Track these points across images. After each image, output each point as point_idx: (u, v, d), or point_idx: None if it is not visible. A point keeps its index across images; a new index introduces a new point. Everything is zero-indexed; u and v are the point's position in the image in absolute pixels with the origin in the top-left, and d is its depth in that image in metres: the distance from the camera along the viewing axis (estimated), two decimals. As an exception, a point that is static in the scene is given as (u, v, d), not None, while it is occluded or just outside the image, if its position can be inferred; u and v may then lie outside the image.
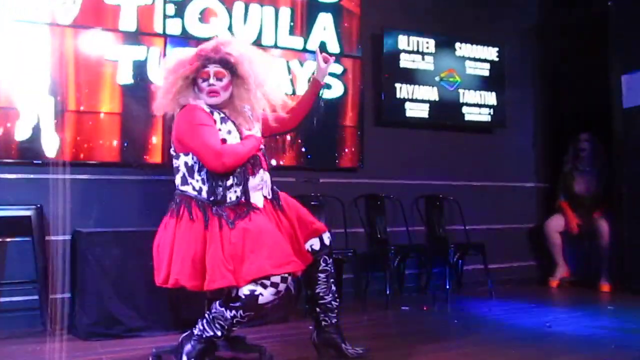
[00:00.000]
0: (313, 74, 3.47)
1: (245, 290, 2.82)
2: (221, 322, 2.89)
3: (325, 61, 3.41)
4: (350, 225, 5.35)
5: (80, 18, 4.39)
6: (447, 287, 5.36)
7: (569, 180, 6.12)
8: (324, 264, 3.28)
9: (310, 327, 3.47)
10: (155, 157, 4.56)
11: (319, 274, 3.27)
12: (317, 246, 3.26)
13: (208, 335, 2.93)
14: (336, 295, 3.36)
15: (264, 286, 2.82)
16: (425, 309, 4.98)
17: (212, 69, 3.03)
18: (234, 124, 3.07)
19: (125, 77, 4.49)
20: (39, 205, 4.10)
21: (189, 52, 3.15)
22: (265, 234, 2.91)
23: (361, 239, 5.49)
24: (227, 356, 3.32)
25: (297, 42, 5.20)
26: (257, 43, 4.95)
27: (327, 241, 3.30)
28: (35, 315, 4.15)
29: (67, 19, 4.36)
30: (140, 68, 4.54)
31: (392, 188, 5.66)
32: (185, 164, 3.00)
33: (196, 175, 2.99)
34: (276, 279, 2.82)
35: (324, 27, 5.30)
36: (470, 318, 4.64)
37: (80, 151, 4.37)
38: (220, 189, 2.95)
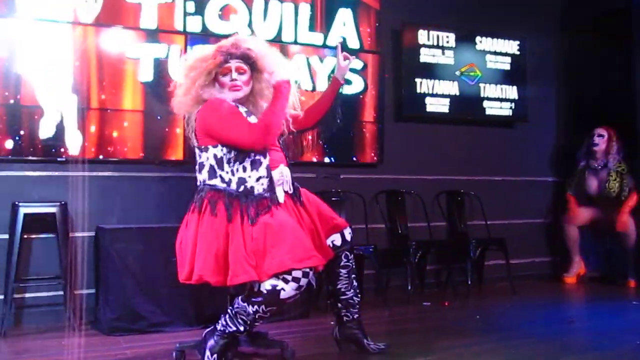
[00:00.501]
0: (333, 72, 3.46)
1: (267, 285, 2.84)
2: (243, 317, 2.91)
3: (346, 59, 3.41)
4: (370, 221, 5.34)
5: (101, 16, 4.43)
6: (468, 282, 5.34)
7: (581, 179, 5.99)
8: (345, 260, 3.28)
9: (332, 323, 3.49)
10: (177, 154, 4.59)
11: (341, 270, 3.28)
12: (338, 242, 3.27)
13: (231, 330, 2.95)
14: (358, 290, 3.36)
15: (286, 281, 2.83)
16: (446, 304, 4.97)
17: (233, 64, 3.05)
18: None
19: (147, 74, 4.53)
20: (63, 202, 4.14)
21: (208, 48, 3.17)
22: (286, 228, 2.92)
23: (382, 234, 5.48)
24: (249, 351, 3.34)
25: (317, 38, 5.19)
26: (277, 39, 4.96)
27: (348, 237, 3.30)
28: (59, 311, 4.20)
29: (89, 18, 4.40)
30: (161, 66, 4.57)
31: (412, 183, 5.65)
32: (215, 156, 2.99)
33: (225, 167, 2.99)
34: (298, 273, 2.84)
35: (344, 23, 5.29)
36: (492, 313, 4.62)
37: (102, 148, 4.41)
38: (249, 180, 2.98)
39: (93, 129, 4.37)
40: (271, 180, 3.04)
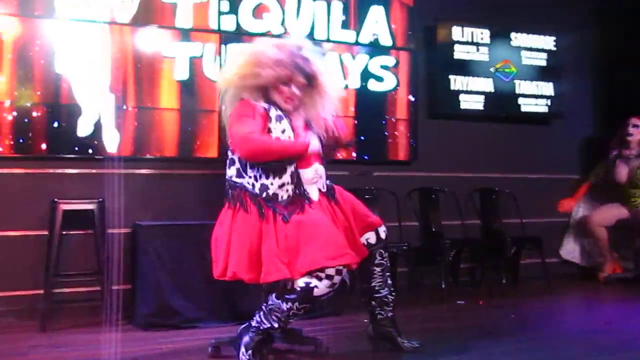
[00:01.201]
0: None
1: (300, 283, 2.85)
2: (277, 314, 2.92)
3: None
4: (404, 218, 5.32)
5: (138, 16, 4.49)
6: (503, 281, 5.28)
7: (610, 168, 5.83)
8: (379, 258, 3.27)
9: (365, 320, 3.48)
10: (212, 152, 4.64)
11: (375, 268, 3.27)
12: (372, 240, 3.27)
13: (265, 327, 2.96)
14: (392, 288, 3.36)
15: (319, 278, 2.84)
16: (481, 303, 4.93)
17: (296, 78, 3.06)
18: (291, 123, 3.09)
19: (182, 73, 4.58)
20: (100, 199, 4.21)
21: (280, 48, 3.11)
22: (320, 226, 2.93)
23: (415, 232, 5.45)
24: (283, 348, 3.35)
25: (349, 35, 5.19)
26: (310, 37, 4.98)
27: (382, 235, 3.30)
28: (97, 306, 4.27)
29: (126, 18, 4.46)
30: (196, 64, 4.62)
31: (446, 181, 5.61)
32: (240, 160, 3.04)
33: (249, 172, 3.03)
34: (331, 271, 2.84)
35: (376, 20, 5.28)
36: (528, 312, 4.57)
37: (139, 146, 4.47)
38: (272, 187, 2.99)
39: (130, 127, 4.44)
40: (299, 183, 3.05)
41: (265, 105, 3.05)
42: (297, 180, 3.04)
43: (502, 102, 5.82)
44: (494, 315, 4.55)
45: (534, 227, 5.79)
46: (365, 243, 3.24)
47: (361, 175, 5.25)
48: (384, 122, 5.31)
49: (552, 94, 6.03)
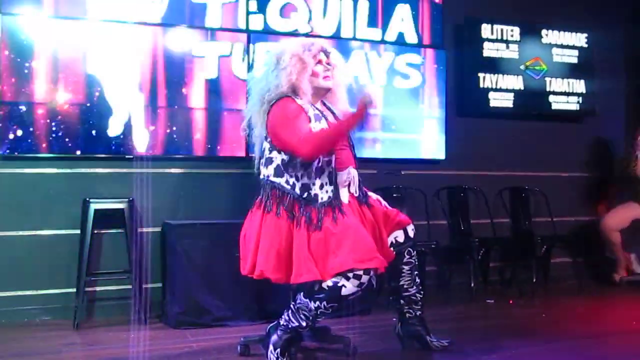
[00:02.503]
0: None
1: (329, 282, 2.86)
2: (305, 313, 2.94)
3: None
4: (432, 217, 5.30)
5: (167, 16, 4.53)
6: (534, 280, 5.23)
7: (632, 165, 5.63)
8: (408, 257, 3.27)
9: (394, 319, 3.48)
10: (240, 151, 4.66)
11: (403, 266, 3.27)
12: (401, 238, 3.26)
13: (293, 325, 2.98)
14: (420, 287, 3.35)
15: (347, 278, 2.84)
16: (510, 302, 4.89)
17: (323, 57, 3.15)
18: (327, 121, 3.10)
19: (212, 72, 4.61)
20: (131, 199, 4.26)
21: (299, 45, 3.18)
22: (350, 229, 2.93)
23: (443, 231, 5.42)
24: (312, 347, 3.36)
25: (375, 33, 5.18)
26: (336, 36, 4.99)
27: (411, 233, 3.29)
28: (128, 304, 4.33)
29: (156, 18, 4.51)
30: (225, 63, 4.65)
31: (475, 180, 5.57)
32: (282, 160, 3.04)
33: (290, 171, 3.02)
34: (359, 271, 2.84)
35: (402, 19, 5.26)
36: (558, 312, 4.52)
37: (168, 146, 4.52)
38: (314, 187, 3.00)
39: (159, 126, 4.49)
40: (336, 185, 3.05)
41: (305, 106, 3.06)
42: (334, 182, 3.05)
43: (532, 100, 5.75)
44: (524, 314, 4.51)
45: (565, 225, 5.72)
46: (394, 242, 3.24)
47: (389, 173, 5.23)
48: (412, 120, 5.29)
49: (584, 92, 5.94)
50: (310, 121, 3.02)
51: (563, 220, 5.75)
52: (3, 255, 4.20)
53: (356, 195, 3.17)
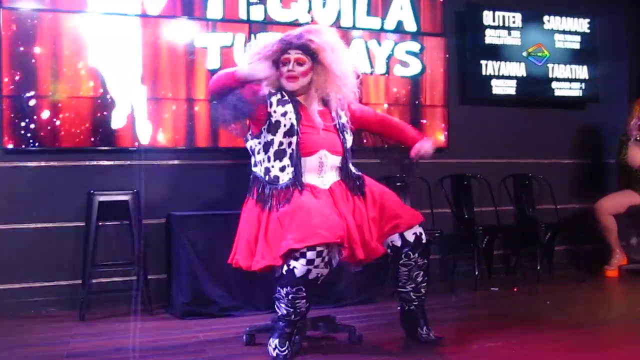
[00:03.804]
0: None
1: (284, 267, 2.90)
2: (282, 301, 2.97)
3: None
4: (436, 205, 5.30)
5: (168, 8, 4.52)
6: (538, 268, 5.24)
7: (623, 153, 5.48)
8: (405, 259, 3.16)
9: (398, 309, 3.49)
10: (242, 141, 4.65)
11: (400, 267, 3.19)
12: (398, 243, 3.15)
13: (280, 314, 3.01)
14: (421, 287, 3.25)
15: (296, 259, 2.85)
16: (515, 290, 4.90)
17: (292, 54, 3.11)
18: (296, 108, 3.12)
19: (214, 63, 4.61)
20: (135, 190, 4.27)
21: (273, 37, 3.22)
22: (300, 209, 2.94)
23: (447, 219, 5.42)
24: (317, 335, 3.38)
25: (374, 22, 5.17)
26: (336, 25, 4.97)
27: (410, 238, 3.15)
28: (134, 295, 4.35)
29: (156, 10, 4.50)
30: (227, 54, 4.64)
31: (478, 167, 5.56)
32: (250, 146, 3.18)
33: (257, 157, 3.15)
34: (304, 250, 2.82)
35: (401, 7, 5.24)
36: (563, 300, 4.53)
37: (172, 137, 4.52)
38: (273, 169, 3.08)
39: (161, 118, 4.49)
40: (297, 169, 3.06)
41: (272, 90, 3.12)
42: (296, 165, 3.07)
43: (535, 86, 5.74)
44: (529, 302, 4.52)
45: (569, 212, 5.71)
46: (391, 245, 3.17)
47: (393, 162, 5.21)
48: (414, 108, 5.28)
49: (587, 78, 5.92)
50: (270, 105, 3.10)
51: (567, 207, 5.75)
52: (9, 248, 4.22)
53: (344, 180, 3.17)
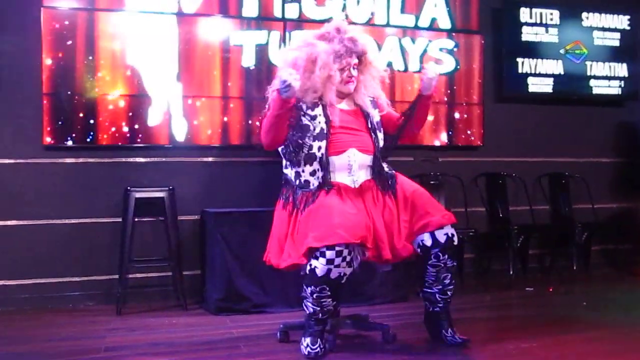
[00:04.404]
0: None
1: (307, 266, 2.92)
2: (309, 300, 2.99)
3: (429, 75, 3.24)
4: (470, 204, 5.26)
5: (204, 6, 4.57)
6: (574, 267, 5.16)
7: None
8: (434, 260, 3.10)
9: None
10: (277, 139, 4.68)
11: (428, 267, 3.15)
12: (428, 242, 3.09)
13: (308, 312, 3.03)
14: (447, 289, 3.19)
15: (316, 258, 2.87)
16: (550, 290, 4.83)
17: (352, 60, 3.15)
18: (325, 110, 3.11)
19: (249, 61, 4.64)
20: (171, 187, 4.33)
21: (320, 37, 3.18)
22: (322, 208, 2.97)
23: (482, 218, 5.38)
24: (351, 334, 3.38)
25: (409, 20, 5.14)
26: (370, 22, 4.98)
27: (441, 238, 3.07)
28: (169, 291, 4.42)
29: (192, 8, 4.55)
30: (262, 52, 4.67)
31: (514, 166, 5.50)
32: (281, 150, 3.20)
33: (287, 160, 3.19)
34: (323, 249, 2.84)
35: (435, 4, 5.20)
36: (599, 300, 4.45)
37: (206, 135, 4.56)
38: (303, 174, 3.10)
39: (197, 115, 4.53)
40: (326, 171, 3.07)
41: (311, 100, 3.11)
42: (326, 168, 3.07)
43: (572, 84, 5.65)
44: (564, 302, 4.46)
45: (606, 212, 5.62)
46: (421, 244, 3.10)
47: (426, 160, 5.20)
48: (450, 106, 5.24)
49: (626, 75, 5.81)
50: (300, 109, 3.07)
51: (604, 207, 5.65)
52: (48, 243, 4.31)
53: (375, 178, 3.15)
